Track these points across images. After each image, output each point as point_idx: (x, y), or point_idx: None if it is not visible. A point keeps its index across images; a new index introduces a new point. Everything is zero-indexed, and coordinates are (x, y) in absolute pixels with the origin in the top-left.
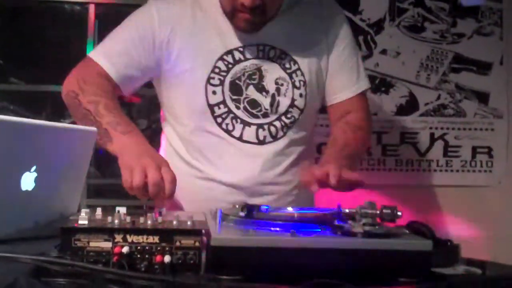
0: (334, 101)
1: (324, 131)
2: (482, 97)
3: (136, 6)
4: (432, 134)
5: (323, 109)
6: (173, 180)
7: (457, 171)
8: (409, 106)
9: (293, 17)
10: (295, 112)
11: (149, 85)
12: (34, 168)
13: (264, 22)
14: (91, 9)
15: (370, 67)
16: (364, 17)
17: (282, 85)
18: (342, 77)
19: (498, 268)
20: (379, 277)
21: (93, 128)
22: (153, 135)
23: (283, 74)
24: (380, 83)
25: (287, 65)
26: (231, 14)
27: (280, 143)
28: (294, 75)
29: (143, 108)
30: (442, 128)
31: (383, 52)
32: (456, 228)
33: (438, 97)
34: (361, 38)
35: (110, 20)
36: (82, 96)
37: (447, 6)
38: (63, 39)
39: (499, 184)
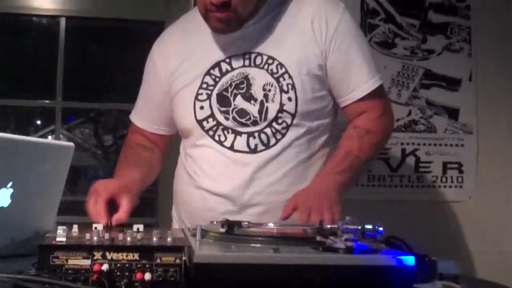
0: (345, 103)
1: None
2: (452, 113)
3: (107, 20)
4: (403, 150)
5: None
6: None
7: (428, 186)
8: None
9: (279, 19)
10: (286, 117)
11: (114, 100)
12: (10, 184)
13: (240, 20)
14: (62, 22)
15: None
16: None
17: (269, 90)
18: (350, 78)
19: (471, 282)
20: None
21: (70, 144)
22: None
23: (270, 79)
24: None
25: (274, 70)
26: (204, 16)
27: (273, 151)
28: (281, 79)
29: (108, 124)
30: (413, 144)
31: None
32: (427, 243)
33: (409, 113)
34: None
35: (80, 34)
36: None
37: (417, 22)
38: (31, 52)
39: (470, 199)
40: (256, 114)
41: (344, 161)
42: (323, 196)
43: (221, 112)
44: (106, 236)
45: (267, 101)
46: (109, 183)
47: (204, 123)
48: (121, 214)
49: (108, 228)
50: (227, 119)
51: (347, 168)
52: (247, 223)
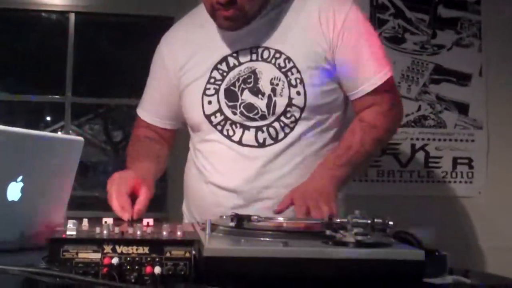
0: (354, 96)
1: None
2: (462, 108)
3: (117, 15)
4: (413, 145)
5: None
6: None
7: (438, 181)
8: None
9: (286, 13)
10: (295, 111)
11: (122, 95)
12: (20, 178)
13: (247, 17)
14: (71, 18)
15: None
16: None
17: (277, 85)
18: (358, 71)
19: (481, 277)
20: (371, 287)
21: (80, 138)
22: None
23: (278, 73)
24: None
25: (282, 64)
26: (212, 15)
27: (282, 144)
28: (289, 73)
29: (118, 120)
30: (423, 139)
31: None
32: (436, 238)
33: (419, 108)
34: None
35: (89, 29)
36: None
37: (427, 17)
38: (40, 48)
39: (479, 195)
40: (264, 109)
41: (344, 156)
42: (320, 192)
43: (229, 106)
44: (116, 230)
45: (275, 95)
46: (128, 175)
47: (212, 117)
48: (141, 206)
49: (131, 222)
50: (234, 113)
51: (346, 163)
52: (256, 217)
